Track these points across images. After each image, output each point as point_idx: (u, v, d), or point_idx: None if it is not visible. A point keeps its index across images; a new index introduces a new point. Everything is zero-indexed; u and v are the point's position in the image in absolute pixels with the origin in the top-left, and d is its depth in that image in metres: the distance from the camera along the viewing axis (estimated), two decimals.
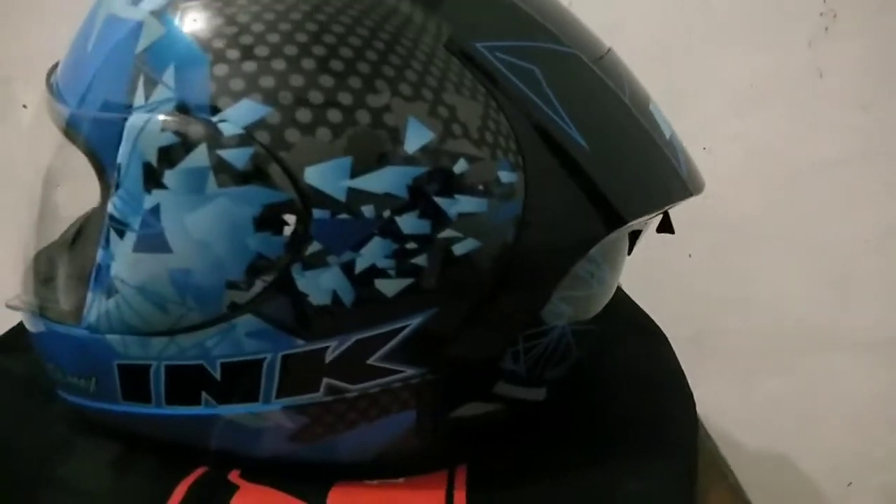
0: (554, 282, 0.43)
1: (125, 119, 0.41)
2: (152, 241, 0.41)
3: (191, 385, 0.46)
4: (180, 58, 0.40)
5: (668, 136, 0.47)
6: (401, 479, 0.48)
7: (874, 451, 0.96)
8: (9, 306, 0.52)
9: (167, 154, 0.40)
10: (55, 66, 0.50)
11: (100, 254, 0.44)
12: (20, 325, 0.68)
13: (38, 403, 0.57)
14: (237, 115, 0.39)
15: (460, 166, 0.40)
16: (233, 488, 0.48)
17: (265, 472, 0.48)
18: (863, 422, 0.96)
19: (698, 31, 0.88)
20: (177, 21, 0.41)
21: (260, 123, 0.39)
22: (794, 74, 0.88)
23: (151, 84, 0.41)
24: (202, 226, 0.40)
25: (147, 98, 0.41)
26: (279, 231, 0.40)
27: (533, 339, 0.47)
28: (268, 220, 0.40)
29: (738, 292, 0.94)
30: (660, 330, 0.65)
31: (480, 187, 0.40)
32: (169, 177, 0.40)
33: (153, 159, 0.40)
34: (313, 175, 0.39)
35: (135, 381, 0.47)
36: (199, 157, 0.39)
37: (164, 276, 0.42)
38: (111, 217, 0.42)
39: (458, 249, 0.41)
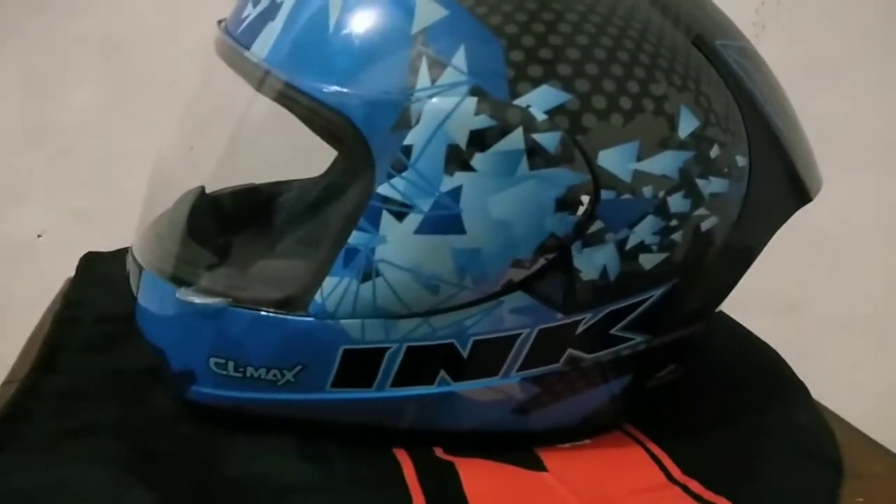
0: (757, 253, 0.50)
1: (408, 100, 0.41)
2: (444, 223, 0.42)
3: (430, 365, 0.46)
4: (471, 41, 0.41)
5: None
6: (587, 440, 0.52)
7: None
8: (187, 301, 0.48)
9: (480, 137, 0.41)
10: (222, 21, 0.48)
11: (356, 237, 0.43)
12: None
13: (135, 409, 0.53)
14: (538, 101, 0.41)
15: (714, 151, 0.45)
16: (450, 465, 0.49)
17: (465, 445, 0.50)
18: None
19: None
20: (460, 4, 0.42)
21: (560, 109, 0.41)
22: None
23: (438, 66, 0.41)
24: (506, 207, 0.41)
25: (433, 80, 0.41)
26: (574, 211, 0.42)
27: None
28: (567, 201, 0.42)
29: None
30: None
31: (725, 170, 0.45)
32: (478, 159, 0.41)
33: (462, 142, 0.41)
34: (606, 158, 0.42)
35: (360, 365, 0.46)
36: (515, 140, 0.41)
37: (446, 257, 0.42)
38: (385, 199, 0.42)
39: (704, 226, 0.46)
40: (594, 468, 0.50)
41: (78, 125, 0.95)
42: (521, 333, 0.45)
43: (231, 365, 0.49)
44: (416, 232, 0.42)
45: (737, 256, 0.49)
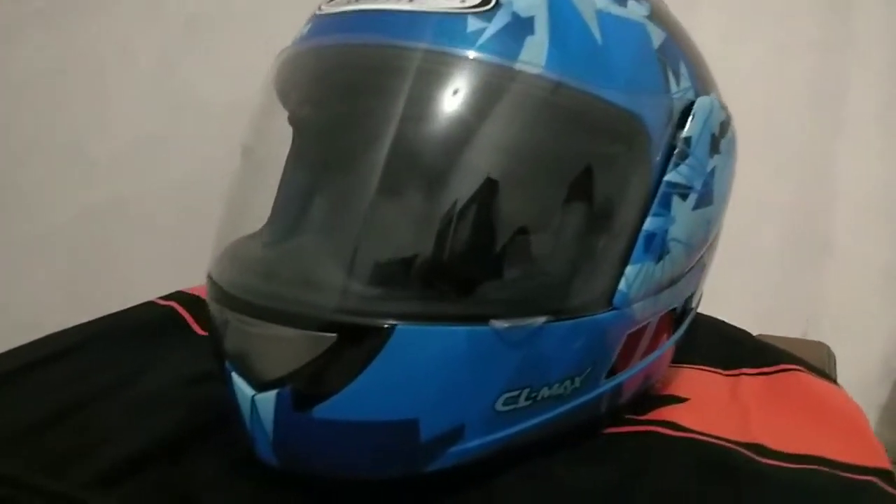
0: None
1: (672, 100, 0.50)
2: (707, 197, 0.52)
3: (664, 330, 0.54)
4: (682, 57, 0.52)
5: None
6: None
7: None
8: (500, 329, 0.43)
9: (723, 127, 0.52)
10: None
11: (651, 222, 0.49)
12: None
13: None
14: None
15: None
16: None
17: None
18: None
19: None
20: (666, 30, 0.52)
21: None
22: None
23: (676, 75, 0.51)
24: (726, 179, 0.54)
25: (678, 85, 0.51)
26: None
27: None
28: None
29: None
30: None
31: None
32: (722, 144, 0.52)
33: (717, 131, 0.52)
34: None
35: (630, 347, 0.51)
36: (733, 129, 0.54)
37: (702, 225, 0.52)
38: (675, 184, 0.49)
39: None
40: (690, 389, 0.63)
41: None
42: (696, 290, 0.57)
43: (524, 394, 0.46)
44: (694, 208, 0.51)
45: None
